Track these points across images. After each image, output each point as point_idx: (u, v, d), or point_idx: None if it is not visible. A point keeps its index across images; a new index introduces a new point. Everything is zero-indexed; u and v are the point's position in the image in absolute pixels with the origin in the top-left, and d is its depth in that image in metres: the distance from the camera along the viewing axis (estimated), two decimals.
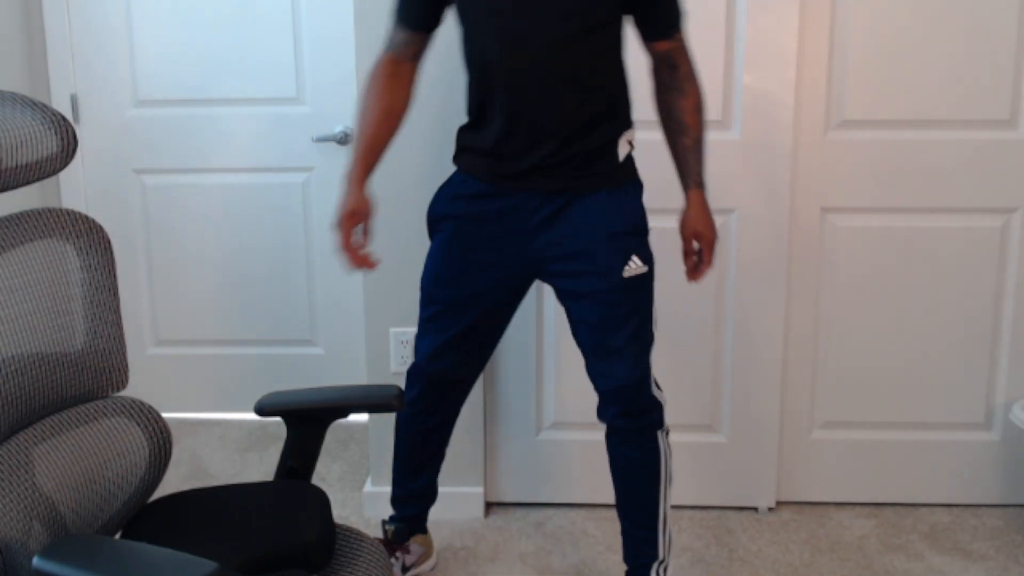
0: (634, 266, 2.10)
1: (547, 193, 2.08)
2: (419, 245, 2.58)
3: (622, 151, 2.11)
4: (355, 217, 2.03)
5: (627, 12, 2.08)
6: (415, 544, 2.40)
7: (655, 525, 2.20)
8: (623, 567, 2.28)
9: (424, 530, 2.45)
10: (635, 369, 2.12)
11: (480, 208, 2.13)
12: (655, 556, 2.21)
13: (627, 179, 2.12)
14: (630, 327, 2.11)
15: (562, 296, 2.17)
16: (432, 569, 2.47)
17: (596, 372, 2.15)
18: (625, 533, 2.25)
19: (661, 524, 2.20)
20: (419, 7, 2.08)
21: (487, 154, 2.11)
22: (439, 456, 2.39)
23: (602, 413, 2.18)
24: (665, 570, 2.23)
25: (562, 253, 2.10)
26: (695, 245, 2.15)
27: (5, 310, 1.45)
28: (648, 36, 2.10)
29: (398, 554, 2.36)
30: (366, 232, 2.07)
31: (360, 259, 2.04)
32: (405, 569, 2.36)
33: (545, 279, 2.19)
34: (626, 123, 2.12)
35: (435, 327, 2.21)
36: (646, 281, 2.13)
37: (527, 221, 2.09)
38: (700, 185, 2.13)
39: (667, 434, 2.19)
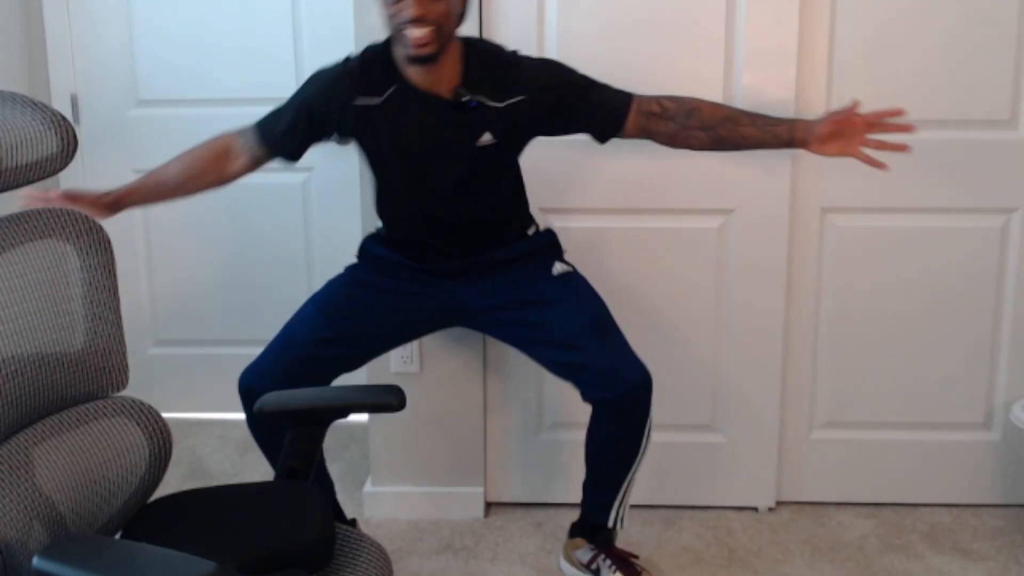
0: (560, 268, 2.24)
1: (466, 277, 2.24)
2: None
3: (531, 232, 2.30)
4: (78, 203, 2.07)
5: (563, 133, 2.20)
6: None
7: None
8: None
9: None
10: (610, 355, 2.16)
11: (406, 272, 2.25)
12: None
13: (538, 249, 2.27)
14: (588, 315, 2.18)
15: (514, 329, 2.24)
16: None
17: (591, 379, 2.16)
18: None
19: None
20: (288, 137, 2.18)
21: (405, 250, 2.24)
22: None
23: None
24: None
25: (492, 301, 2.21)
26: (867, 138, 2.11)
27: (5, 310, 1.45)
28: (608, 135, 2.18)
29: None
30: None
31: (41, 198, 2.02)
32: None
33: (483, 328, 2.31)
34: (527, 223, 2.29)
35: (309, 353, 2.20)
36: (578, 276, 2.25)
37: (450, 286, 2.24)
38: (791, 119, 2.17)
39: None
